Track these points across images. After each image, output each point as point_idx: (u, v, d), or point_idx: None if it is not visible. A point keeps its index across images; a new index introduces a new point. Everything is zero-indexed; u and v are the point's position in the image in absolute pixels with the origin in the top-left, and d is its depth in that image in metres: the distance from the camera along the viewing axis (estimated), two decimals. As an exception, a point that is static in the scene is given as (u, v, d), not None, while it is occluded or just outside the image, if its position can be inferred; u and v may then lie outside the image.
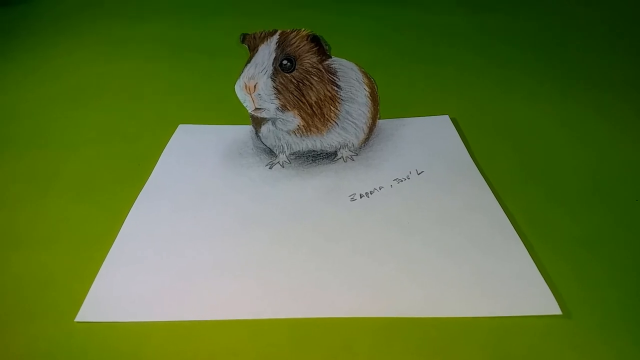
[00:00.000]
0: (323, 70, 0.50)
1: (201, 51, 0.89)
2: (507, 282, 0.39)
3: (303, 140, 0.53)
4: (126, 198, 0.50)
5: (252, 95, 0.47)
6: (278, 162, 0.56)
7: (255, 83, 0.47)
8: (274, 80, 0.47)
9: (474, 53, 0.85)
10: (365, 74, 0.56)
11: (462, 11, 1.06)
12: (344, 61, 0.54)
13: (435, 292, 0.39)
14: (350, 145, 0.55)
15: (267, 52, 0.48)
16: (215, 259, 0.43)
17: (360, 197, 0.50)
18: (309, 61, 0.49)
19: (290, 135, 0.52)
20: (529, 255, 0.42)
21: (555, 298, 0.38)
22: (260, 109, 0.48)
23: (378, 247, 0.43)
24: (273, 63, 0.47)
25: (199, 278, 0.41)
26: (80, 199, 0.51)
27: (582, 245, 0.44)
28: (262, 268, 0.42)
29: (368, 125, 0.55)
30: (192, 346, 0.36)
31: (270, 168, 0.55)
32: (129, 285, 0.40)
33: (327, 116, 0.51)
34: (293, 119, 0.50)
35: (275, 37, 0.49)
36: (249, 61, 0.49)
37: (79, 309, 0.38)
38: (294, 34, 0.49)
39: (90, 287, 0.40)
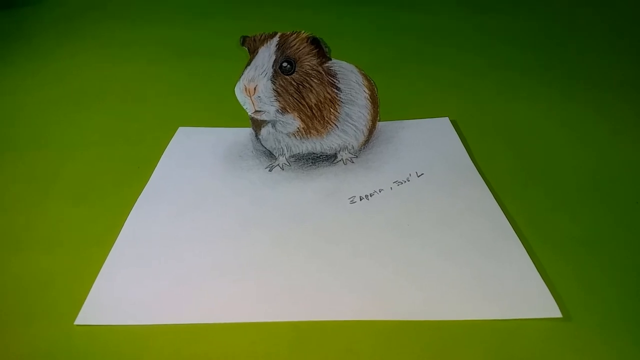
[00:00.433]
0: (323, 73, 0.50)
1: (201, 54, 0.89)
2: (507, 285, 0.39)
3: (303, 142, 0.53)
4: (126, 200, 0.50)
5: (252, 97, 0.47)
6: (278, 165, 0.56)
7: (255, 85, 0.47)
8: (273, 83, 0.47)
9: (474, 55, 0.85)
10: (365, 76, 0.56)
11: (462, 13, 1.06)
12: (343, 63, 0.54)
13: (436, 294, 0.39)
14: (350, 147, 0.55)
15: (267, 55, 0.48)
16: (215, 261, 0.43)
17: (360, 200, 0.50)
18: (308, 63, 0.49)
19: (290, 137, 0.52)
20: (529, 258, 0.42)
21: (556, 300, 0.38)
22: (260, 111, 0.48)
23: (378, 250, 0.43)
24: (273, 65, 0.47)
25: (198, 281, 0.41)
26: (81, 202, 0.51)
27: (582, 247, 0.44)
28: (262, 271, 0.42)
29: (368, 127, 0.55)
30: (192, 349, 0.36)
31: (270, 170, 0.55)
32: (128, 288, 0.40)
33: (327, 118, 0.51)
34: (293, 122, 0.50)
35: (275, 39, 0.49)
36: (248, 63, 0.49)
37: (78, 312, 0.38)
38: (293, 36, 0.49)
39: (90, 290, 0.40)
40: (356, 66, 0.55)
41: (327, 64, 0.51)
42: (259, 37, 0.50)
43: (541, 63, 0.81)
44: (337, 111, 0.51)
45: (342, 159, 0.56)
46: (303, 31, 0.50)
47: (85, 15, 1.10)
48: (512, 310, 0.37)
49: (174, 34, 0.99)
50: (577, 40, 0.90)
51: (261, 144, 0.57)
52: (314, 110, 0.50)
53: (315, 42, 0.49)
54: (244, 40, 0.51)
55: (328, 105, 0.50)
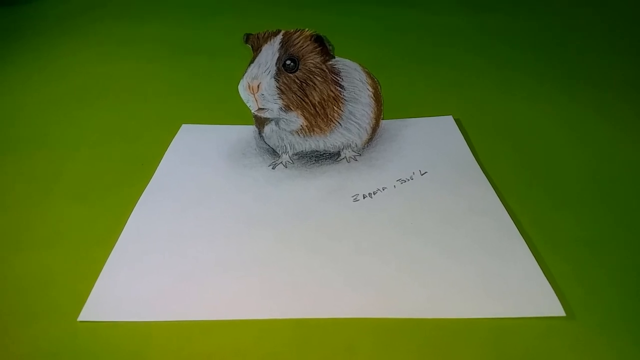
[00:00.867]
0: (326, 71, 0.50)
1: (205, 51, 0.89)
2: (510, 283, 0.39)
3: (306, 140, 0.53)
4: (129, 197, 0.51)
5: (256, 95, 0.47)
6: (281, 162, 0.56)
7: (258, 83, 0.47)
8: (277, 81, 0.47)
9: (478, 54, 0.85)
10: (368, 74, 0.56)
11: (465, 12, 1.06)
12: (347, 61, 0.54)
13: (439, 292, 0.39)
14: (353, 145, 0.55)
15: (270, 52, 0.48)
16: (218, 258, 0.43)
17: (364, 198, 0.50)
18: (312, 61, 0.49)
19: (293, 135, 0.52)
20: (532, 256, 0.42)
21: (559, 299, 0.38)
22: (263, 109, 0.48)
23: (381, 248, 0.43)
24: (276, 63, 0.47)
25: (201, 278, 0.41)
26: (84, 199, 0.51)
27: (585, 246, 0.44)
28: (265, 268, 0.42)
29: (371, 125, 0.55)
30: (195, 346, 0.36)
31: (273, 168, 0.55)
32: (132, 285, 0.40)
33: (330, 116, 0.51)
34: (296, 119, 0.50)
35: (279, 37, 0.49)
36: (252, 61, 0.49)
37: (82, 308, 0.38)
38: (297, 34, 0.49)
39: (93, 287, 0.40)
40: (360, 64, 0.55)
41: (330, 62, 0.50)
42: (262, 35, 0.50)
43: (545, 62, 0.81)
44: (340, 109, 0.51)
45: (345, 157, 0.56)
46: (307, 29, 0.50)
47: (87, 13, 1.10)
48: (516, 308, 0.37)
49: (177, 31, 0.99)
50: (579, 39, 0.90)
51: (264, 141, 0.57)
52: (317, 108, 0.50)
53: (319, 40, 0.49)
54: (247, 37, 0.51)
55: (331, 103, 0.50)
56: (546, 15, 1.03)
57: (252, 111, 0.49)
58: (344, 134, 0.53)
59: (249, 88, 0.47)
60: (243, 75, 0.48)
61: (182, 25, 1.03)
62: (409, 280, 0.40)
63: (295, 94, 0.48)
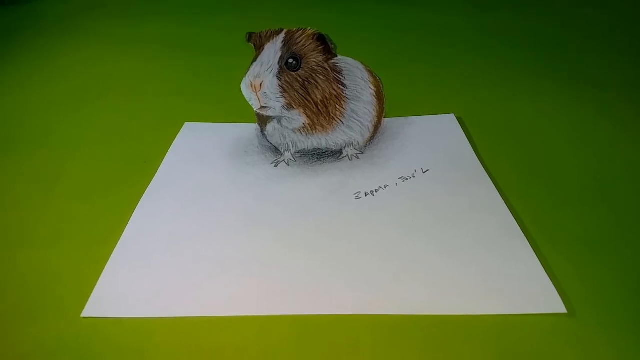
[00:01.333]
0: (329, 69, 0.50)
1: (207, 50, 0.89)
2: (512, 281, 0.39)
3: (308, 138, 0.53)
4: (132, 196, 0.51)
5: (258, 93, 0.47)
6: (283, 160, 0.56)
7: (261, 81, 0.47)
8: (279, 79, 0.47)
9: (480, 52, 0.85)
10: (371, 72, 0.56)
11: (467, 11, 1.06)
12: (349, 60, 0.54)
13: (440, 290, 0.39)
14: (355, 143, 0.55)
15: (273, 51, 0.48)
16: (220, 256, 0.43)
17: (366, 196, 0.50)
18: (314, 60, 0.49)
19: (295, 133, 0.52)
20: (534, 254, 0.42)
21: (560, 296, 0.38)
22: (265, 107, 0.48)
23: (383, 245, 0.44)
24: (279, 62, 0.47)
25: (204, 275, 0.41)
26: (87, 197, 0.51)
27: (587, 244, 0.44)
28: (266, 265, 0.42)
29: (373, 123, 0.55)
30: (197, 342, 0.36)
31: (275, 166, 0.55)
32: (134, 282, 0.41)
33: (332, 115, 0.51)
34: (298, 117, 0.50)
35: (281, 35, 0.49)
36: (254, 60, 0.49)
37: (85, 305, 0.38)
38: (300, 32, 0.49)
39: (96, 284, 0.40)
40: (362, 63, 0.55)
41: (332, 61, 0.51)
42: (264, 34, 0.50)
43: (546, 61, 0.81)
44: (342, 107, 0.51)
45: (347, 155, 0.56)
46: (309, 28, 0.50)
47: (87, 13, 1.10)
48: (517, 305, 0.37)
49: (179, 30, 0.99)
50: (581, 39, 0.90)
51: (267, 139, 0.57)
52: (319, 107, 0.50)
53: (321, 39, 0.49)
54: (249, 36, 0.52)
55: (334, 102, 0.50)
56: (547, 14, 1.03)
57: (255, 109, 0.49)
58: (346, 132, 0.53)
59: (252, 86, 0.47)
60: (245, 73, 0.48)
61: (184, 24, 1.03)
62: (411, 278, 0.40)
63: (298, 92, 0.48)
